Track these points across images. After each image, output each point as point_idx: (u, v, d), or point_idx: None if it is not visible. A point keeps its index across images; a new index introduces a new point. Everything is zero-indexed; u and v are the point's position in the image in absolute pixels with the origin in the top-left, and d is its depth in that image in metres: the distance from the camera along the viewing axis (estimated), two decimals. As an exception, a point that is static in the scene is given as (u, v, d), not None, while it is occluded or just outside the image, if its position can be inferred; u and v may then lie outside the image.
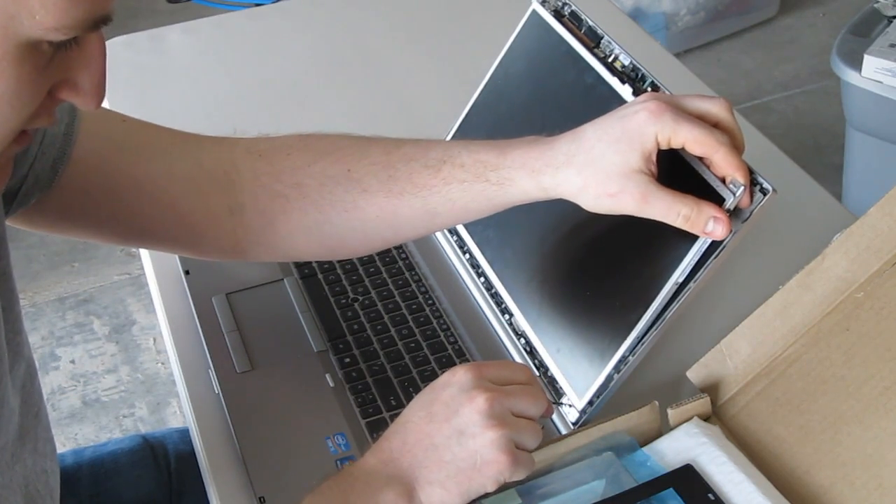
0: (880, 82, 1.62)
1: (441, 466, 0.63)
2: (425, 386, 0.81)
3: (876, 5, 1.73)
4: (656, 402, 0.71)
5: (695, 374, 0.76)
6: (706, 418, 0.73)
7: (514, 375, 0.67)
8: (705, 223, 0.66)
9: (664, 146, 0.66)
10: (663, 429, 0.72)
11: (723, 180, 0.67)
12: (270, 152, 0.76)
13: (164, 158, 0.75)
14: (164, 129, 0.76)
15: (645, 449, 0.71)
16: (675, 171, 0.68)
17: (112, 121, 0.75)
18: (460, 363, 0.83)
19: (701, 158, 0.68)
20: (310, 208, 0.74)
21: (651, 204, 0.65)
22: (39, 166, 0.69)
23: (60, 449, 1.26)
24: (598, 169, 0.66)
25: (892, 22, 1.69)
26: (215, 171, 0.75)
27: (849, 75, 1.66)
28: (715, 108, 0.67)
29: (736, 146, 0.67)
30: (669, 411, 0.72)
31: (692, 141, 0.65)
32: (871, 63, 1.62)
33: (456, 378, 0.65)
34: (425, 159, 0.72)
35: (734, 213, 0.67)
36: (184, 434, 0.98)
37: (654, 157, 0.66)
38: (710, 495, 0.66)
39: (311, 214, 0.75)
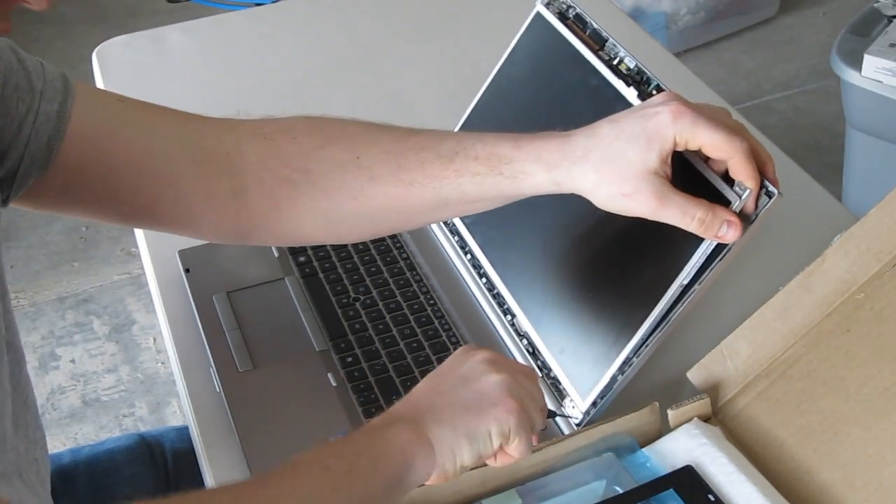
0: (880, 82, 1.62)
1: (447, 407, 0.63)
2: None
3: (876, 5, 1.73)
4: (657, 403, 0.72)
5: (695, 375, 0.76)
6: (706, 419, 0.73)
7: (518, 364, 0.68)
8: (719, 227, 0.66)
9: (681, 148, 0.65)
10: (664, 430, 0.72)
11: (726, 182, 0.67)
12: (276, 135, 0.75)
13: (162, 138, 0.74)
14: (163, 109, 0.76)
15: (645, 450, 0.71)
16: (678, 171, 0.68)
17: (108, 100, 0.74)
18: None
19: (706, 160, 0.68)
20: (317, 194, 0.74)
21: (666, 207, 0.65)
22: (35, 146, 0.69)
23: (60, 448, 1.26)
24: (615, 167, 0.65)
25: (892, 21, 1.69)
26: (217, 153, 0.74)
27: (849, 75, 1.66)
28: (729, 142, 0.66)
29: (761, 158, 0.67)
30: (670, 412, 0.72)
31: (710, 145, 0.65)
32: (871, 63, 1.61)
33: (460, 349, 0.68)
34: (438, 150, 0.71)
35: (741, 217, 0.67)
36: (181, 432, 0.98)
37: (669, 160, 0.65)
38: (710, 496, 0.66)
39: (318, 200, 0.74)
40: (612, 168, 0.65)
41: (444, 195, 0.71)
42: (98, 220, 0.78)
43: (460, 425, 0.62)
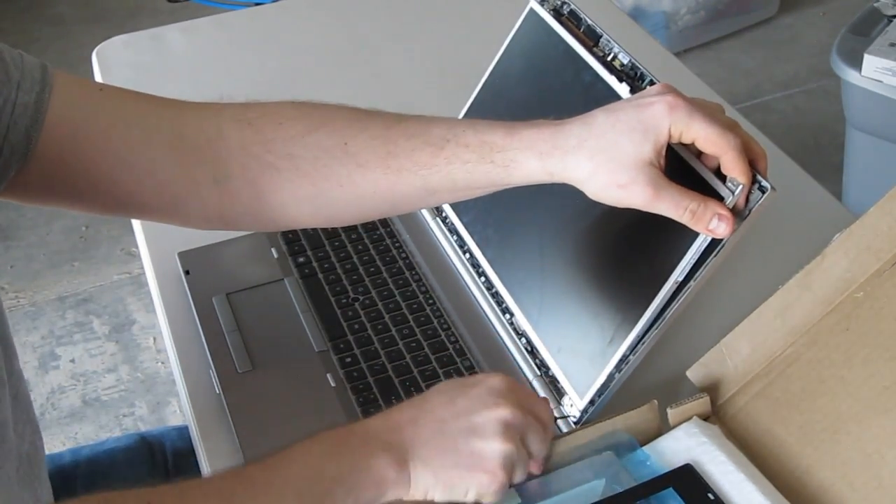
0: (880, 81, 1.62)
1: (441, 453, 0.62)
2: (427, 385, 0.81)
3: (876, 4, 1.73)
4: (656, 402, 0.71)
5: (694, 373, 0.76)
6: (706, 418, 0.73)
7: (539, 410, 0.67)
8: (710, 220, 0.66)
9: (675, 140, 0.65)
10: (663, 428, 0.72)
11: (719, 178, 0.67)
12: (260, 120, 0.73)
13: (141, 126, 0.73)
14: (143, 96, 0.75)
15: (645, 448, 0.71)
16: (671, 166, 0.67)
17: (87, 89, 0.73)
18: (461, 362, 0.83)
19: (699, 155, 0.68)
20: (302, 181, 0.73)
21: (661, 198, 0.65)
22: (14, 136, 0.68)
23: (60, 448, 1.26)
24: (610, 157, 0.65)
25: (892, 21, 1.69)
26: (198, 139, 0.73)
27: (849, 74, 1.66)
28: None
29: (754, 152, 0.67)
30: (669, 411, 0.72)
31: (703, 138, 0.64)
32: (871, 62, 1.62)
33: (490, 381, 0.66)
34: (427, 136, 0.70)
35: (733, 212, 0.67)
36: (182, 431, 0.98)
37: (664, 151, 0.65)
38: (709, 495, 0.66)
39: (303, 187, 0.73)
40: (606, 158, 0.65)
41: (433, 183, 0.70)
42: (81, 210, 0.77)
43: (443, 475, 0.62)
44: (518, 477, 0.65)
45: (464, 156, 0.69)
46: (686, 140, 0.65)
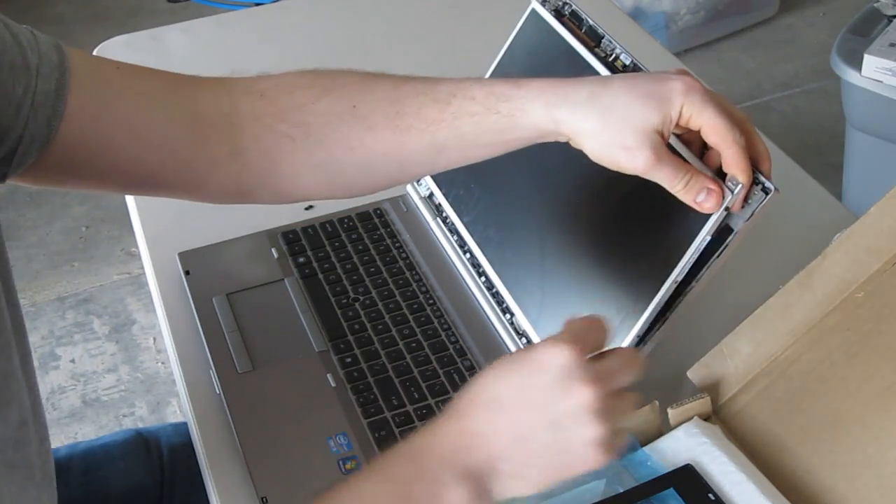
0: (880, 82, 1.62)
1: (528, 460, 0.57)
2: (427, 386, 0.81)
3: (876, 5, 1.73)
4: (657, 402, 0.71)
5: (695, 373, 0.76)
6: (706, 418, 0.73)
7: (617, 372, 0.59)
8: (698, 192, 0.66)
9: (684, 122, 0.65)
10: (664, 428, 0.72)
11: (720, 177, 0.67)
12: (272, 91, 0.74)
13: (161, 105, 0.73)
14: (160, 74, 0.75)
15: (645, 448, 0.71)
16: None
17: (106, 70, 0.73)
18: (461, 362, 0.83)
19: (701, 157, 0.68)
20: (314, 147, 0.73)
21: (661, 166, 0.65)
22: (34, 126, 0.67)
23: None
24: (620, 117, 0.65)
25: (892, 21, 1.69)
26: (214, 115, 0.74)
27: (849, 75, 1.66)
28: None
29: (758, 151, 0.67)
30: (670, 411, 0.72)
31: (710, 127, 0.65)
32: (871, 62, 1.62)
33: (554, 360, 0.57)
34: (435, 93, 0.71)
35: (735, 214, 0.67)
36: (178, 427, 0.98)
37: (671, 127, 0.65)
38: (710, 495, 0.66)
39: (316, 153, 0.73)
40: (616, 118, 0.65)
41: (441, 139, 0.70)
42: (100, 191, 0.76)
43: (535, 477, 0.57)
44: (621, 450, 0.60)
45: (471, 108, 0.69)
46: (694, 125, 0.65)
